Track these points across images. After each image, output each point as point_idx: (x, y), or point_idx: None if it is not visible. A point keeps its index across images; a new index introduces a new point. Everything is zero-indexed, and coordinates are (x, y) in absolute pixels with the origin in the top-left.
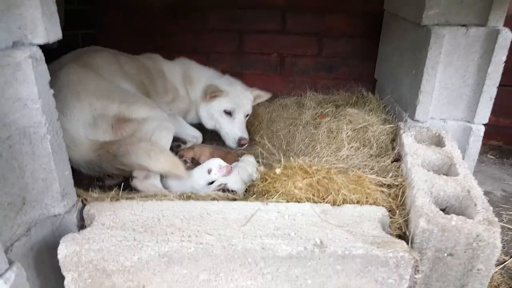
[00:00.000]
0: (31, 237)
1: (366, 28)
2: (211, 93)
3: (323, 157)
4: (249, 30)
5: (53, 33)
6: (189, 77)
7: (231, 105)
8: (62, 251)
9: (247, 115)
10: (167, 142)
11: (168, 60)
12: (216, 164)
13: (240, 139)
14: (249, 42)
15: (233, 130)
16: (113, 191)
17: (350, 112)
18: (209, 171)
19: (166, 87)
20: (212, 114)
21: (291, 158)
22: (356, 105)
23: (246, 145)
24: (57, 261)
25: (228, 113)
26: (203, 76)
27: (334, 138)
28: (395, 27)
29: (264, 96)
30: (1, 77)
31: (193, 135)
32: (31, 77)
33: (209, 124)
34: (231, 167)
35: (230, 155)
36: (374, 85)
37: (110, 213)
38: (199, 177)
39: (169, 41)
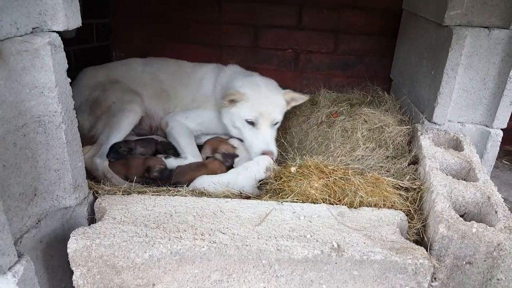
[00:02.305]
0: (41, 229)
1: (384, 26)
2: (229, 97)
3: (338, 156)
4: (265, 25)
5: (73, 20)
6: (220, 83)
7: (253, 113)
8: (72, 245)
9: (276, 124)
10: (128, 122)
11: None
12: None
13: (264, 153)
14: (264, 37)
15: (256, 142)
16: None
17: (365, 111)
18: (268, 169)
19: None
20: (234, 122)
21: (306, 156)
22: (371, 105)
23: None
24: (66, 254)
25: (251, 122)
26: (232, 79)
27: (348, 138)
28: (414, 27)
29: (300, 99)
30: (19, 63)
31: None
32: (49, 64)
33: (234, 133)
34: None
35: (225, 144)
36: (389, 85)
37: (122, 207)
38: (258, 174)
39: (184, 30)
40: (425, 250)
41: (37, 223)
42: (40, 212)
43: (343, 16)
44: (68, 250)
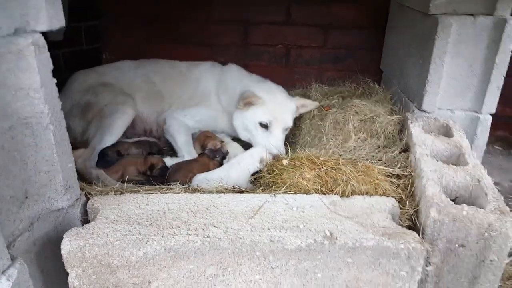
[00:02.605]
0: (34, 232)
1: (373, 19)
2: (245, 100)
3: (330, 148)
4: (254, 22)
5: (56, 20)
6: (225, 83)
7: (268, 116)
8: (66, 246)
9: (287, 129)
10: (120, 124)
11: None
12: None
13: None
14: (254, 34)
15: (267, 145)
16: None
17: (356, 103)
18: (262, 160)
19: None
20: (246, 125)
21: (299, 149)
22: (362, 96)
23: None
24: (60, 256)
25: (264, 125)
26: (240, 81)
27: (340, 130)
28: (402, 18)
29: (310, 105)
30: (3, 65)
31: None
32: (33, 65)
33: (243, 136)
34: None
35: (212, 139)
36: (380, 77)
37: (115, 207)
38: (251, 166)
39: (174, 31)
40: (417, 234)
41: (29, 226)
42: (33, 215)
43: (333, 10)
44: (62, 252)
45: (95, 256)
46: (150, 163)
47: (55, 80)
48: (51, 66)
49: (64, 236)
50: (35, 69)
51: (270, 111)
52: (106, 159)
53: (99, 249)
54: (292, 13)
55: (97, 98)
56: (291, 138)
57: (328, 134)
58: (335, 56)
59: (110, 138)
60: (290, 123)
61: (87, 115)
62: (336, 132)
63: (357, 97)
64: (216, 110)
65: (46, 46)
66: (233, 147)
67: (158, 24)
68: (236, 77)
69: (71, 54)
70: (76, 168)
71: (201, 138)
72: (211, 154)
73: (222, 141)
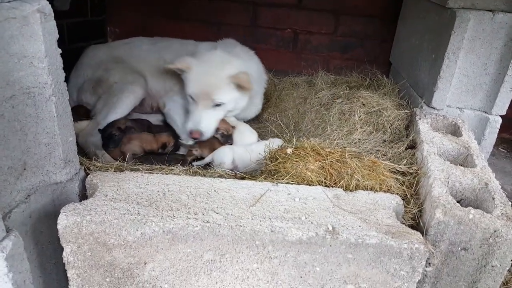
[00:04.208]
0: (30, 205)
1: (386, 9)
2: (176, 66)
3: (334, 139)
4: (264, 3)
5: None
6: None
7: (191, 88)
8: (62, 221)
9: (218, 105)
10: (127, 103)
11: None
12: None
13: (190, 131)
14: (263, 15)
15: (189, 118)
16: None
17: (364, 94)
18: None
19: None
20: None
21: (303, 138)
22: (369, 88)
23: (198, 139)
24: (56, 231)
25: (192, 98)
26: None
27: (346, 121)
28: (416, 9)
29: (244, 84)
30: (7, 31)
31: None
32: (38, 33)
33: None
34: None
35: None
36: (388, 68)
37: (114, 184)
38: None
39: (181, 7)
40: (421, 235)
41: (26, 198)
42: (30, 186)
43: None
44: (58, 226)
45: (92, 233)
46: (162, 142)
47: (60, 50)
48: (56, 35)
49: (61, 211)
50: (40, 37)
51: (194, 81)
52: (114, 138)
53: (96, 226)
54: None
55: (108, 74)
56: (294, 126)
57: (332, 124)
58: (344, 44)
59: (114, 115)
60: (221, 99)
61: (97, 91)
62: (341, 123)
63: (364, 88)
64: None
65: (53, 14)
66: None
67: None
68: (206, 49)
69: (75, 24)
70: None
71: None
72: (223, 139)
73: (233, 126)
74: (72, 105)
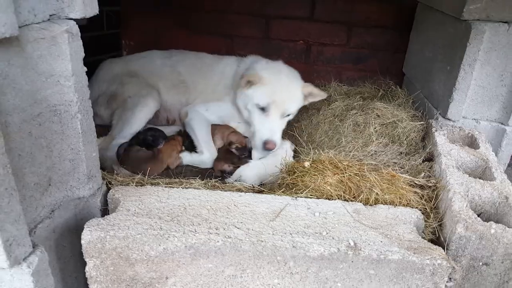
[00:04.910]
0: (54, 220)
1: (398, 19)
2: (247, 77)
3: (350, 151)
4: (276, 15)
5: (90, 7)
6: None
7: (266, 98)
8: (86, 237)
9: (287, 115)
10: (141, 117)
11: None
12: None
13: (265, 142)
14: (275, 28)
15: (261, 129)
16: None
17: (378, 105)
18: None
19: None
20: (246, 105)
21: (318, 150)
22: (383, 99)
23: (273, 150)
24: (78, 245)
25: (262, 108)
26: (246, 63)
27: (361, 133)
28: (430, 20)
29: (318, 95)
30: (36, 51)
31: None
32: (66, 52)
33: (244, 116)
34: None
35: (234, 135)
36: (401, 79)
37: (136, 199)
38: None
39: (194, 20)
40: (443, 251)
41: (50, 213)
42: (54, 202)
43: (357, 9)
44: (82, 241)
45: (115, 248)
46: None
47: (85, 69)
48: (82, 54)
49: (85, 226)
50: (67, 56)
51: (269, 92)
52: (157, 135)
53: (119, 241)
54: (317, 9)
55: (123, 88)
56: (307, 137)
57: (347, 136)
58: (357, 56)
59: (130, 130)
60: (291, 110)
61: (112, 105)
62: (356, 135)
63: (378, 99)
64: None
65: (79, 34)
66: None
67: (179, 13)
68: (249, 64)
69: (92, 38)
70: None
71: (224, 132)
72: (239, 152)
73: (245, 137)
74: None
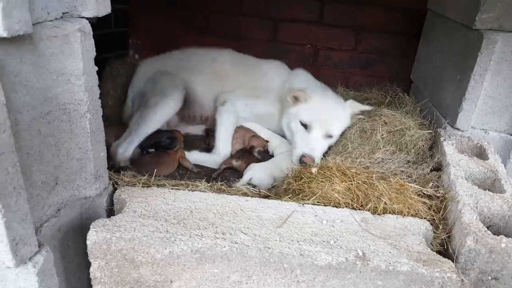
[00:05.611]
0: (60, 219)
1: (407, 25)
2: (294, 93)
3: (356, 158)
4: (285, 18)
5: (103, 6)
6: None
7: (309, 116)
8: (92, 237)
9: (330, 136)
10: (159, 116)
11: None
12: None
13: (304, 155)
14: (283, 30)
15: (301, 143)
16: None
17: (385, 112)
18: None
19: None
20: (290, 121)
21: (327, 156)
22: (390, 106)
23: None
24: (82, 244)
25: (304, 125)
26: (300, 80)
27: (367, 139)
28: (440, 28)
29: (364, 108)
30: (48, 49)
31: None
32: (78, 51)
33: (287, 133)
34: None
35: (255, 139)
36: (409, 86)
37: (142, 200)
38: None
39: (203, 20)
40: (452, 263)
41: (56, 212)
42: (60, 201)
43: (366, 14)
44: (88, 242)
45: (120, 250)
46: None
47: (96, 68)
48: (94, 53)
49: (91, 227)
50: (79, 55)
51: (314, 111)
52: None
53: (125, 243)
54: (325, 13)
55: (152, 87)
56: None
57: (353, 142)
58: (365, 61)
59: (147, 129)
60: (334, 131)
61: (141, 103)
62: (362, 141)
63: (385, 106)
64: (274, 109)
65: (92, 33)
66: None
67: (188, 13)
68: (302, 81)
69: (100, 36)
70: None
71: (245, 135)
72: (261, 156)
73: (267, 141)
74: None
